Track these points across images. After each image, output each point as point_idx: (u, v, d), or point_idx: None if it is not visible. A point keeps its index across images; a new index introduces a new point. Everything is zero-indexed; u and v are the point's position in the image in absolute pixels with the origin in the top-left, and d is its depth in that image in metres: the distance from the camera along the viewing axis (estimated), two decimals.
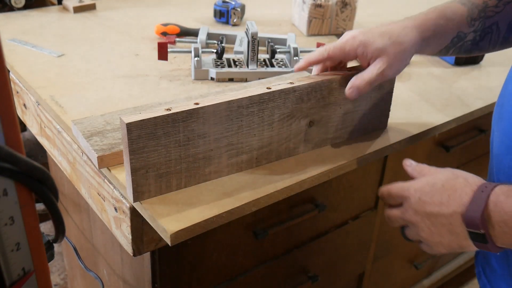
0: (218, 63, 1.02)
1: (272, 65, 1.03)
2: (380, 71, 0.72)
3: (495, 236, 0.57)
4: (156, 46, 1.11)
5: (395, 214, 0.69)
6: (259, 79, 0.99)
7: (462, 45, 0.81)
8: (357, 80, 0.73)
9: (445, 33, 0.78)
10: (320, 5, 1.24)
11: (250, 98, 0.70)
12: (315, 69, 0.79)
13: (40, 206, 0.44)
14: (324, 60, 0.76)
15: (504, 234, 0.56)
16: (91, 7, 1.33)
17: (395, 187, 0.70)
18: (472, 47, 0.82)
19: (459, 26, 0.78)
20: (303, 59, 0.77)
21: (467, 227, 0.58)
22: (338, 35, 1.28)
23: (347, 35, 0.74)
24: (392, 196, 0.69)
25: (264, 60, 1.05)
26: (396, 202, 0.69)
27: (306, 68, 0.77)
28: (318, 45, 1.10)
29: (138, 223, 0.72)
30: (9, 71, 1.02)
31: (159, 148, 0.65)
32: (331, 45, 0.75)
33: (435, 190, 0.63)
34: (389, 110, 0.87)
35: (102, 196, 0.78)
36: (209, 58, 1.03)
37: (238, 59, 1.04)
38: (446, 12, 0.78)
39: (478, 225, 0.57)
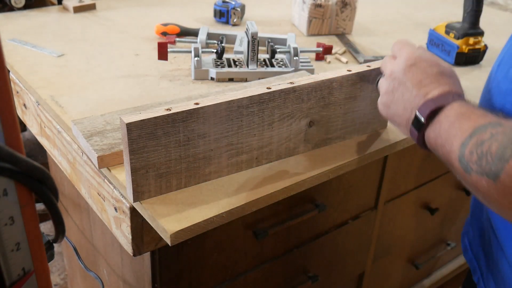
0: (218, 63, 1.02)
1: (272, 65, 1.03)
2: None
3: (427, 131, 0.60)
4: (156, 46, 1.11)
5: (385, 60, 0.72)
6: (259, 79, 0.99)
7: None
8: None
9: None
10: (320, 5, 1.24)
11: (250, 98, 0.70)
12: None
13: (40, 206, 0.44)
14: None
15: (432, 132, 0.59)
16: (91, 7, 1.33)
17: (403, 43, 0.70)
18: None
19: None
20: None
21: (419, 109, 0.61)
22: (338, 35, 1.28)
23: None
24: (397, 46, 0.70)
25: (264, 60, 1.05)
26: (394, 53, 0.70)
27: None
28: (318, 45, 1.10)
29: (138, 223, 0.72)
30: (9, 71, 1.02)
31: (159, 148, 0.65)
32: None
33: (428, 71, 0.64)
34: None
35: (102, 196, 0.78)
36: (209, 58, 1.03)
37: (238, 59, 1.04)
38: None
39: (426, 112, 0.60)
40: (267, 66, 1.02)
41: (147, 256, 0.80)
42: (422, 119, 0.60)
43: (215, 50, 1.03)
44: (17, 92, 1.01)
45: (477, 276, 0.79)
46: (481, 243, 0.78)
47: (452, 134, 0.56)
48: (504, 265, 0.69)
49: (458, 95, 0.61)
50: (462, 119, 0.57)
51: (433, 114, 0.60)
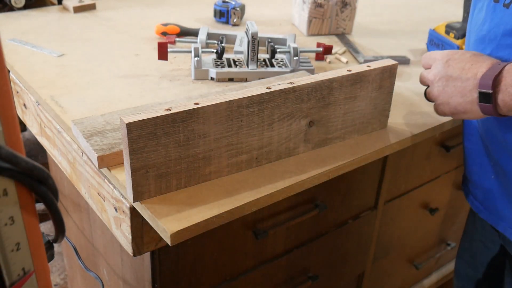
0: (218, 63, 1.02)
1: (272, 65, 1.03)
2: None
3: (500, 99, 0.67)
4: (156, 46, 1.11)
5: (422, 74, 0.80)
6: (259, 79, 0.99)
7: None
8: None
9: None
10: (320, 5, 1.24)
11: (250, 98, 0.70)
12: None
13: (40, 206, 0.44)
14: None
15: (507, 96, 0.66)
16: (91, 7, 1.33)
17: (430, 52, 0.81)
18: None
19: None
20: None
21: (479, 87, 0.68)
22: (338, 35, 1.28)
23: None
24: (426, 58, 0.80)
25: (264, 60, 1.05)
26: (427, 65, 0.80)
27: None
28: (318, 45, 1.10)
29: (138, 223, 0.72)
30: (9, 71, 1.02)
31: (159, 148, 0.65)
32: None
33: (463, 58, 0.73)
34: (389, 110, 0.87)
35: (102, 196, 0.78)
36: (209, 58, 1.03)
37: (238, 59, 1.04)
38: None
39: (489, 85, 0.67)
40: (267, 66, 1.02)
41: (147, 256, 0.80)
42: (489, 91, 0.67)
43: (215, 50, 1.03)
44: (17, 92, 1.01)
45: (502, 226, 0.87)
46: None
47: None
48: None
49: (499, 62, 0.69)
50: None
51: (495, 83, 0.67)
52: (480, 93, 0.68)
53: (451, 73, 0.73)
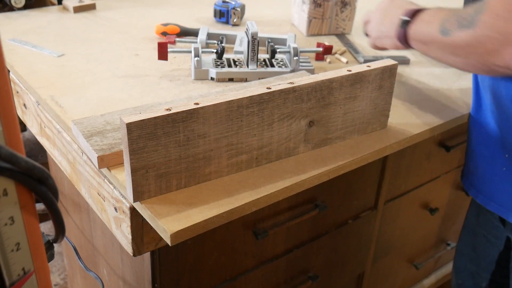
0: (218, 63, 1.02)
1: (272, 65, 1.03)
2: None
3: (411, 27, 0.81)
4: (156, 46, 1.11)
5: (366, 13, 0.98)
6: (259, 79, 0.99)
7: None
8: None
9: None
10: (319, 5, 1.24)
11: (250, 98, 0.70)
12: None
13: (40, 206, 0.44)
14: None
15: (416, 25, 0.80)
16: (91, 7, 1.33)
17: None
18: None
19: None
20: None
21: (403, 14, 0.82)
22: (338, 35, 1.28)
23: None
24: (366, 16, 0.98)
25: (264, 60, 1.05)
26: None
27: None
28: (318, 45, 1.10)
29: (138, 223, 0.72)
30: (9, 71, 1.02)
31: (159, 148, 0.65)
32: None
33: (406, 1, 0.88)
34: (389, 110, 0.87)
35: (102, 196, 0.78)
36: (209, 58, 1.03)
37: (238, 59, 1.04)
38: None
39: (410, 14, 0.81)
40: (267, 66, 1.02)
41: (147, 256, 0.80)
42: (407, 18, 0.81)
43: (215, 50, 1.03)
44: (17, 92, 1.01)
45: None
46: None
47: (431, 20, 0.77)
48: None
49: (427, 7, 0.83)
50: (439, 12, 0.77)
51: (414, 15, 0.81)
52: (401, 20, 0.82)
53: (392, 7, 0.88)
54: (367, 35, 0.97)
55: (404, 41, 0.83)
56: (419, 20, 0.81)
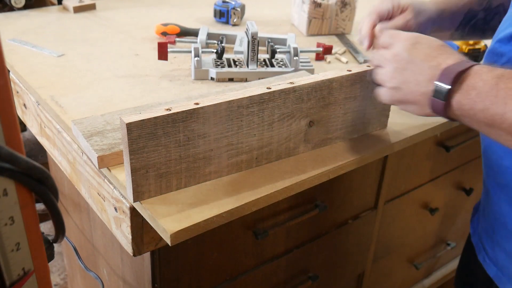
0: (218, 63, 1.02)
1: (272, 65, 1.03)
2: (407, 19, 0.78)
3: (456, 99, 0.59)
4: (156, 46, 1.11)
5: (379, 51, 0.69)
6: (259, 79, 0.99)
7: (476, 23, 0.87)
8: (385, 24, 0.78)
9: (457, 8, 0.85)
10: (319, 5, 1.24)
11: (250, 98, 0.70)
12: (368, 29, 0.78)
13: (40, 206, 0.44)
14: (375, 21, 0.78)
15: (465, 98, 0.58)
16: (91, 7, 1.33)
17: (394, 30, 0.71)
18: (485, 27, 0.88)
19: (470, 3, 0.87)
20: (364, 35, 0.77)
21: (438, 79, 0.60)
22: (338, 35, 1.28)
23: None
24: (388, 35, 0.69)
25: (264, 60, 1.05)
26: (386, 43, 0.69)
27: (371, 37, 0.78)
28: (318, 45, 1.10)
29: (138, 223, 0.72)
30: (9, 71, 1.02)
31: (159, 148, 0.65)
32: (376, 9, 0.79)
33: (431, 45, 0.64)
34: (389, 110, 0.87)
35: (102, 196, 0.78)
36: (209, 58, 1.03)
37: (238, 59, 1.04)
38: None
39: (450, 80, 0.58)
40: (267, 66, 1.02)
41: (147, 256, 0.80)
42: (447, 86, 0.59)
43: (215, 50, 1.03)
44: (17, 92, 1.01)
45: (482, 256, 0.80)
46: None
47: (500, 95, 0.55)
48: None
49: (468, 61, 0.61)
50: (505, 80, 0.56)
51: (456, 80, 0.58)
52: (437, 87, 0.60)
53: (414, 57, 0.63)
54: (376, 80, 0.71)
55: (444, 113, 0.61)
56: (472, 91, 0.57)
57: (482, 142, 0.78)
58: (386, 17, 0.80)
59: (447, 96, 0.59)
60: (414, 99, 0.63)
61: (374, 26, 0.76)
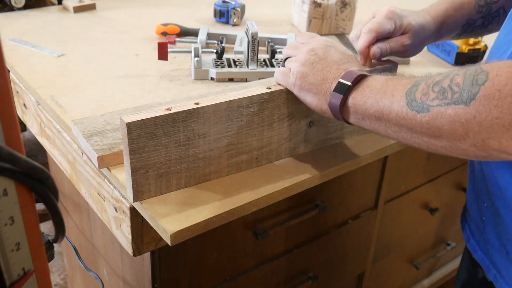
0: (218, 63, 1.02)
1: (272, 65, 1.03)
2: (404, 44, 0.79)
3: (352, 94, 0.65)
4: (156, 46, 1.11)
5: (294, 44, 0.75)
6: (259, 79, 0.99)
7: (472, 30, 0.87)
8: (383, 45, 0.78)
9: (456, 22, 0.85)
10: (319, 5, 1.24)
11: (250, 98, 0.70)
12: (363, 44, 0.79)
13: (40, 206, 0.44)
14: (374, 40, 0.78)
15: (360, 94, 0.64)
16: (91, 7, 1.33)
17: (311, 33, 0.78)
18: (482, 30, 0.88)
19: (469, 14, 0.85)
20: (360, 52, 0.78)
21: (342, 77, 0.66)
22: (338, 35, 1.28)
23: (384, 11, 0.79)
24: (306, 35, 0.76)
25: (264, 60, 1.05)
26: (304, 40, 0.75)
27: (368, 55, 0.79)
28: None
29: (138, 223, 0.72)
30: (9, 71, 1.02)
31: (159, 148, 0.65)
32: (375, 23, 0.78)
33: (343, 53, 0.71)
34: None
35: (102, 196, 0.78)
36: (209, 58, 1.03)
37: (238, 59, 1.04)
38: (455, 2, 0.85)
39: (352, 78, 0.65)
40: (267, 66, 1.02)
41: (147, 256, 0.80)
42: (348, 83, 0.64)
43: (215, 50, 1.03)
44: (17, 92, 1.01)
45: (492, 274, 0.78)
46: (493, 236, 0.77)
47: (389, 90, 0.61)
48: None
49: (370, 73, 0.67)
50: (394, 79, 0.62)
51: (356, 81, 0.65)
52: (339, 83, 0.66)
53: (327, 55, 0.70)
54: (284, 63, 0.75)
55: (338, 111, 0.66)
56: (366, 88, 0.64)
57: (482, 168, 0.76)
58: (386, 36, 0.79)
59: (346, 92, 0.65)
60: (317, 90, 0.68)
61: (370, 44, 0.77)
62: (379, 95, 0.61)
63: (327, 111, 0.68)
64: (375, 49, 0.76)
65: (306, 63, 0.70)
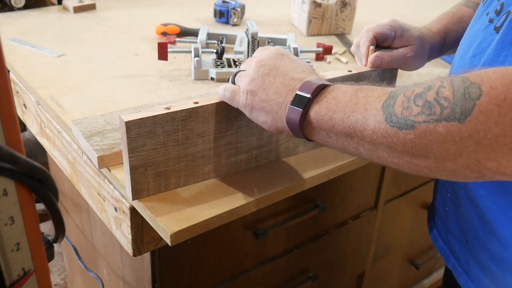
0: (218, 63, 1.02)
1: None
2: (407, 56, 0.79)
3: (314, 108, 0.56)
4: (156, 46, 1.11)
5: (245, 62, 0.67)
6: None
7: None
8: (385, 54, 0.78)
9: (458, 35, 0.84)
10: (319, 5, 1.24)
11: None
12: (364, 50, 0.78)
13: (40, 206, 0.44)
14: (372, 39, 0.78)
15: (324, 108, 0.56)
16: (91, 7, 1.33)
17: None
18: None
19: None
20: (362, 55, 0.78)
21: (299, 89, 0.57)
22: (338, 35, 1.28)
23: (386, 20, 0.80)
24: (258, 50, 0.68)
25: None
26: (255, 54, 0.67)
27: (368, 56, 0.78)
28: (318, 45, 1.10)
29: (138, 223, 0.72)
30: (9, 71, 1.02)
31: (158, 147, 0.65)
32: (374, 25, 0.78)
33: (297, 62, 0.63)
34: None
35: (102, 196, 0.78)
36: (209, 58, 1.03)
37: (238, 59, 1.04)
38: (455, 17, 0.86)
39: (311, 89, 0.56)
40: None
41: (147, 256, 0.80)
42: (307, 95, 0.56)
43: (215, 50, 1.03)
44: (17, 92, 1.01)
45: (451, 263, 0.79)
46: (456, 228, 0.78)
47: (360, 102, 0.53)
48: (494, 244, 0.69)
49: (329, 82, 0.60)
50: (364, 90, 0.55)
51: (317, 92, 0.57)
52: (296, 96, 0.57)
53: (279, 65, 0.61)
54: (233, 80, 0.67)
55: (300, 125, 0.57)
56: (331, 100, 0.56)
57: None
58: (384, 42, 0.78)
59: (305, 105, 0.56)
60: (270, 108, 0.60)
61: (369, 44, 0.77)
62: (349, 109, 0.54)
63: (285, 129, 0.59)
64: (373, 57, 0.76)
65: (255, 78, 0.62)
